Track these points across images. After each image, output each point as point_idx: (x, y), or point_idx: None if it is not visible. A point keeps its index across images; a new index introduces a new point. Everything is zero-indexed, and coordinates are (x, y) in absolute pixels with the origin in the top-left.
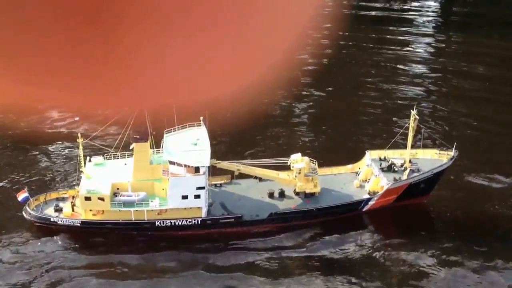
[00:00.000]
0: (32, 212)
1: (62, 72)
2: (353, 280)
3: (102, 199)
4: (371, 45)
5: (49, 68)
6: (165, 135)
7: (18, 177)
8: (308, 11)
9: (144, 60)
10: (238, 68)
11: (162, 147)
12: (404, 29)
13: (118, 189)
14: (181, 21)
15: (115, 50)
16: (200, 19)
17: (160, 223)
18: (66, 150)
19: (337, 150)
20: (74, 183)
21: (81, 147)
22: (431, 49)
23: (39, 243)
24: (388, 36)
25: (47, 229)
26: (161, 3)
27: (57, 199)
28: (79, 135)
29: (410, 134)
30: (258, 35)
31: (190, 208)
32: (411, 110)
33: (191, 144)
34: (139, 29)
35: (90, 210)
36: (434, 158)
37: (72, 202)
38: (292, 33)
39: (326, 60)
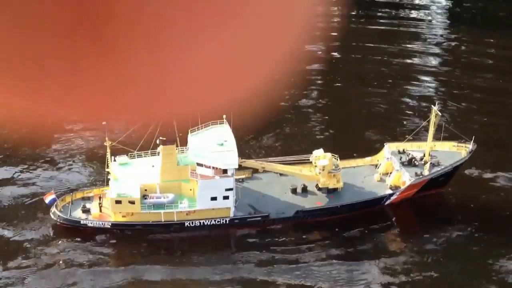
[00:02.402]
0: (61, 215)
1: (66, 80)
2: (377, 272)
3: (132, 202)
4: (382, 38)
5: (48, 76)
6: (189, 135)
7: (40, 178)
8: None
9: (151, 68)
10: (247, 68)
11: (187, 147)
12: (414, 22)
13: (146, 190)
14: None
15: (122, 59)
16: (199, 19)
17: (189, 223)
18: (88, 148)
19: (353, 143)
20: (98, 182)
21: (108, 150)
22: (444, 41)
23: (67, 244)
24: (399, 29)
25: (75, 230)
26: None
27: (83, 198)
28: (106, 138)
29: (431, 129)
30: (262, 30)
31: (219, 208)
32: (432, 106)
33: (217, 145)
34: (142, 36)
35: (120, 212)
36: (452, 151)
37: (99, 203)
38: (298, 25)
39: (335, 52)
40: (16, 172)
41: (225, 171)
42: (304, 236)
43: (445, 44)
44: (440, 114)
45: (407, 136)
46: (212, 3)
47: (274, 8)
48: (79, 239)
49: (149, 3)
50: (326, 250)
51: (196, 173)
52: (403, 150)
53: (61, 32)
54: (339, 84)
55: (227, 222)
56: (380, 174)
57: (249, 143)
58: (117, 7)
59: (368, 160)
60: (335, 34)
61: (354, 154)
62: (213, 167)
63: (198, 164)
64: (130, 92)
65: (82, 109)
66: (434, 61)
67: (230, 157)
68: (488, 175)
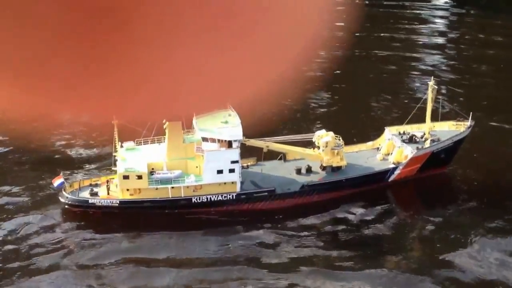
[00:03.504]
0: (69, 196)
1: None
2: (379, 252)
3: (140, 177)
4: (384, 19)
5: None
6: (195, 118)
7: (49, 165)
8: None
9: (162, 68)
10: (262, 68)
11: (193, 128)
12: (419, 3)
13: (153, 168)
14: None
15: (134, 58)
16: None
17: (196, 199)
18: (96, 137)
19: (355, 128)
20: (106, 169)
21: (116, 129)
22: (446, 22)
23: (75, 226)
24: (402, 10)
25: (83, 212)
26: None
27: (91, 185)
28: (113, 116)
29: (429, 105)
30: (279, 31)
31: (225, 183)
32: (428, 81)
33: (221, 123)
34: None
35: (128, 190)
36: (451, 129)
37: (107, 186)
38: (310, 29)
39: (340, 33)
40: (23, 156)
41: (230, 144)
42: (308, 222)
43: (450, 24)
44: (436, 87)
45: (413, 104)
46: (229, 2)
47: (291, 9)
48: (84, 223)
49: (162, 2)
50: (332, 233)
51: (202, 148)
52: (403, 131)
53: (63, 32)
54: (344, 66)
55: (234, 197)
56: (382, 154)
57: (253, 125)
58: (133, 5)
59: (369, 144)
60: (340, 16)
61: (354, 139)
62: (218, 140)
63: (204, 139)
64: (140, 92)
65: (90, 108)
66: (440, 40)
67: (234, 130)
68: (492, 152)
